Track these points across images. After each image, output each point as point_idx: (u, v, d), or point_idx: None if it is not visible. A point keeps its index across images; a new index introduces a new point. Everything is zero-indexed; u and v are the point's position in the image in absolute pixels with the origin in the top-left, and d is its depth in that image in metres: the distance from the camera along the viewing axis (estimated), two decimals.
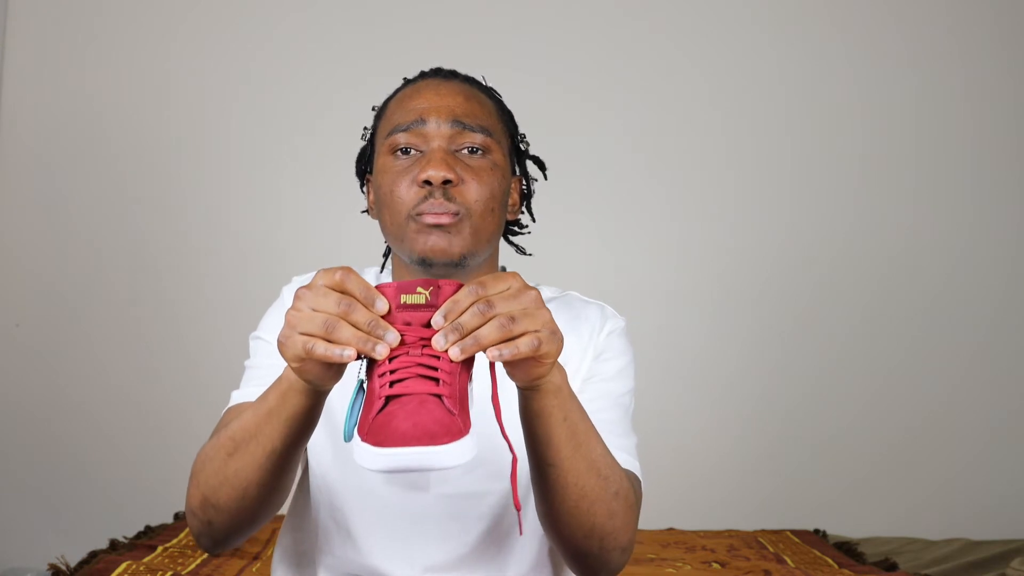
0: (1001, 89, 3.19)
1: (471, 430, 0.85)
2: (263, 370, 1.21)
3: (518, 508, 0.97)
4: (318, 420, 1.01)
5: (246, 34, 3.13)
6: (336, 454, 1.22)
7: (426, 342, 0.87)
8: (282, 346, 0.90)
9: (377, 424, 0.84)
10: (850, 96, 3.18)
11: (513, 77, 3.15)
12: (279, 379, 0.98)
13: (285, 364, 1.17)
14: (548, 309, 0.90)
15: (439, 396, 0.85)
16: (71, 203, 3.06)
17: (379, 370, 0.87)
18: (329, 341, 0.87)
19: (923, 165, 3.18)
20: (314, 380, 0.93)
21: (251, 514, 1.07)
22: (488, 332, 0.86)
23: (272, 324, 1.25)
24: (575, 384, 1.22)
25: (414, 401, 0.84)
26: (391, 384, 0.85)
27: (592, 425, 1.04)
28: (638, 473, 1.19)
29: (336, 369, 0.93)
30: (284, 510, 1.36)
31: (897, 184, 3.17)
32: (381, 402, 0.85)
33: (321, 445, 1.23)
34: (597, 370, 1.24)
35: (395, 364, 0.86)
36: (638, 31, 3.17)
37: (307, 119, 3.08)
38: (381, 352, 0.86)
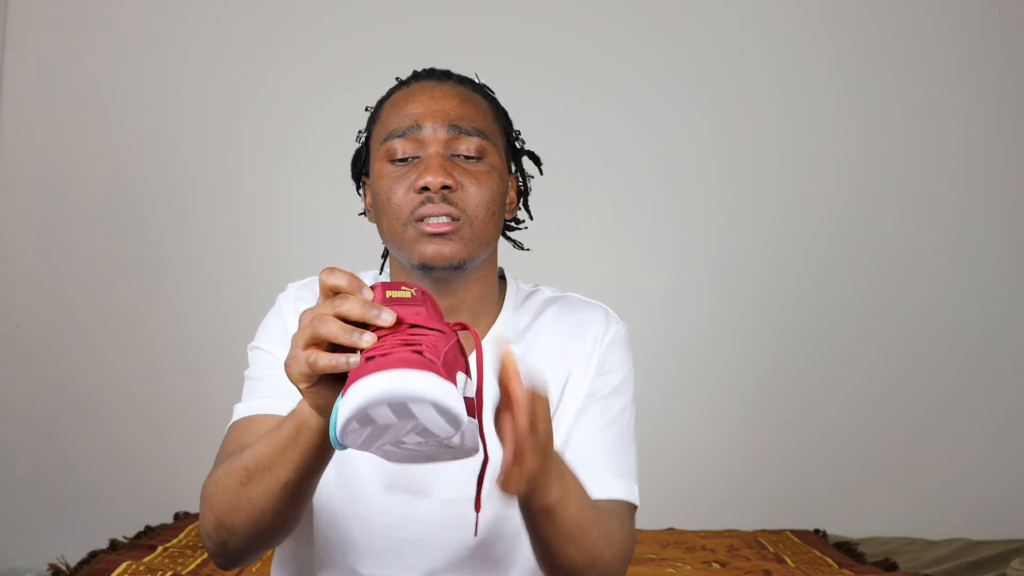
0: (1002, 90, 3.19)
1: (456, 393, 0.83)
2: (264, 381, 1.21)
3: (478, 510, 0.97)
4: (333, 454, 0.99)
5: (247, 35, 3.12)
6: (336, 465, 1.21)
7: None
8: (288, 367, 0.89)
9: (355, 372, 0.82)
10: (850, 97, 3.18)
11: (513, 77, 3.15)
12: (293, 413, 0.96)
13: (271, 386, 1.18)
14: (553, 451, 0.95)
15: (420, 352, 0.83)
16: (71, 203, 3.06)
17: (365, 354, 0.85)
18: (326, 347, 0.86)
19: (923, 166, 3.18)
20: (325, 405, 0.91)
21: (266, 537, 1.06)
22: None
23: (269, 333, 1.24)
24: (577, 401, 1.23)
25: (394, 355, 0.82)
26: (373, 352, 0.84)
27: (586, 496, 1.07)
28: (634, 498, 1.21)
29: None
30: None
31: (897, 184, 3.17)
32: (363, 359, 0.84)
33: None
34: (598, 386, 1.24)
35: (382, 341, 0.85)
36: (638, 31, 3.17)
37: (309, 122, 3.07)
38: (368, 340, 0.84)
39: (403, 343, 0.84)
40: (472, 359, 0.92)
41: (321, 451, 0.97)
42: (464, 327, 0.91)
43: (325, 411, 0.91)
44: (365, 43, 3.07)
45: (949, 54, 3.19)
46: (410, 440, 0.84)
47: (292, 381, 0.89)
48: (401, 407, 0.80)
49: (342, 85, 2.93)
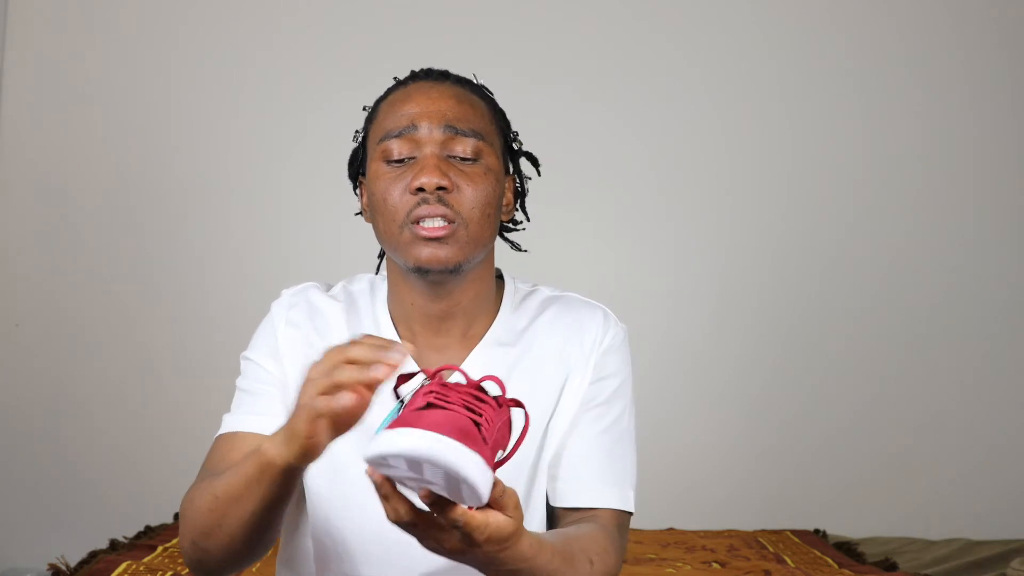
0: (1002, 90, 3.19)
1: (490, 482, 0.86)
2: (251, 395, 1.22)
3: None
4: (296, 488, 1.03)
5: (247, 35, 3.12)
6: (329, 472, 1.21)
7: (477, 394, 0.89)
8: (296, 417, 0.93)
9: (414, 415, 0.85)
10: (850, 97, 3.18)
11: (513, 78, 3.14)
12: (258, 451, 0.98)
13: (272, 397, 1.20)
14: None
15: (479, 425, 0.86)
16: (71, 204, 3.06)
17: (426, 389, 0.88)
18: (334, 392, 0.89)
19: (923, 166, 3.18)
20: (319, 450, 0.94)
21: (239, 560, 1.09)
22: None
23: (260, 344, 1.26)
24: (575, 404, 1.23)
25: (455, 414, 0.85)
26: (437, 398, 0.87)
27: (561, 549, 1.04)
28: (628, 506, 1.21)
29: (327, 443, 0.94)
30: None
31: (897, 184, 3.17)
32: (424, 401, 0.87)
33: (317, 466, 1.23)
34: (595, 392, 1.24)
35: (447, 391, 0.88)
36: (638, 31, 3.17)
37: (309, 122, 3.07)
38: (380, 371, 0.87)
39: (465, 405, 0.86)
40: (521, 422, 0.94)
41: (284, 486, 0.99)
42: (518, 404, 0.93)
43: (308, 454, 0.94)
44: (365, 43, 3.07)
45: (949, 54, 3.19)
46: (432, 483, 0.86)
47: (296, 425, 0.93)
48: (441, 471, 0.83)
49: (342, 85, 2.92)
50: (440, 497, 0.86)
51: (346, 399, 0.88)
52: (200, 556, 1.09)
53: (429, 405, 0.86)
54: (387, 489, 0.88)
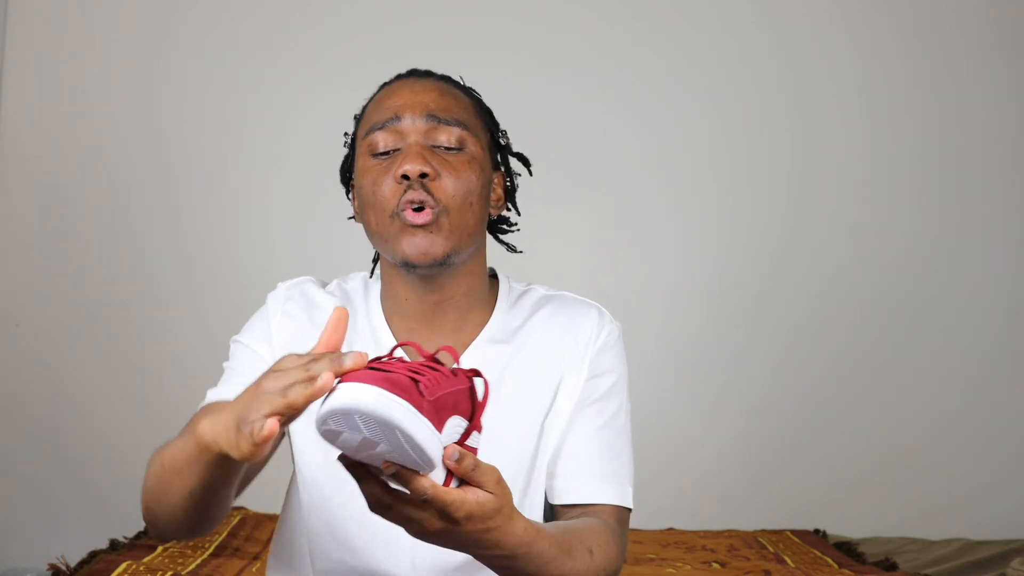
0: (1003, 90, 3.19)
1: (438, 438, 0.84)
2: (237, 372, 1.24)
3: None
4: (238, 470, 0.99)
5: (247, 35, 3.12)
6: (327, 461, 1.21)
7: (431, 365, 0.88)
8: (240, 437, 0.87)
9: (356, 371, 0.83)
10: (850, 97, 3.18)
11: (514, 78, 3.14)
12: (197, 432, 0.92)
13: (245, 376, 1.17)
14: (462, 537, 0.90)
15: (416, 382, 0.84)
16: (71, 204, 3.06)
17: (375, 362, 0.86)
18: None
19: (923, 165, 3.18)
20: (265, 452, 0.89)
21: (183, 528, 1.08)
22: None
23: (252, 329, 1.28)
24: (571, 403, 1.23)
25: (388, 373, 0.84)
26: (381, 365, 0.85)
27: (559, 539, 1.03)
28: (627, 502, 1.21)
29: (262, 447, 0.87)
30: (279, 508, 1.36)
31: (899, 182, 3.17)
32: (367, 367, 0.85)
33: (310, 453, 1.23)
34: (591, 389, 1.24)
35: (396, 362, 0.86)
36: (638, 31, 3.17)
37: (310, 122, 3.07)
38: (323, 377, 0.82)
39: (408, 369, 0.85)
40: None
41: (221, 468, 0.96)
42: (477, 374, 0.92)
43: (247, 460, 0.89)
44: (365, 43, 3.07)
45: (949, 54, 3.19)
46: (377, 444, 0.84)
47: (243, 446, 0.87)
48: (372, 420, 0.81)
49: (342, 85, 2.92)
50: (403, 468, 0.84)
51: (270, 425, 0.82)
52: (150, 519, 1.10)
53: (370, 369, 0.85)
54: (359, 471, 0.86)
